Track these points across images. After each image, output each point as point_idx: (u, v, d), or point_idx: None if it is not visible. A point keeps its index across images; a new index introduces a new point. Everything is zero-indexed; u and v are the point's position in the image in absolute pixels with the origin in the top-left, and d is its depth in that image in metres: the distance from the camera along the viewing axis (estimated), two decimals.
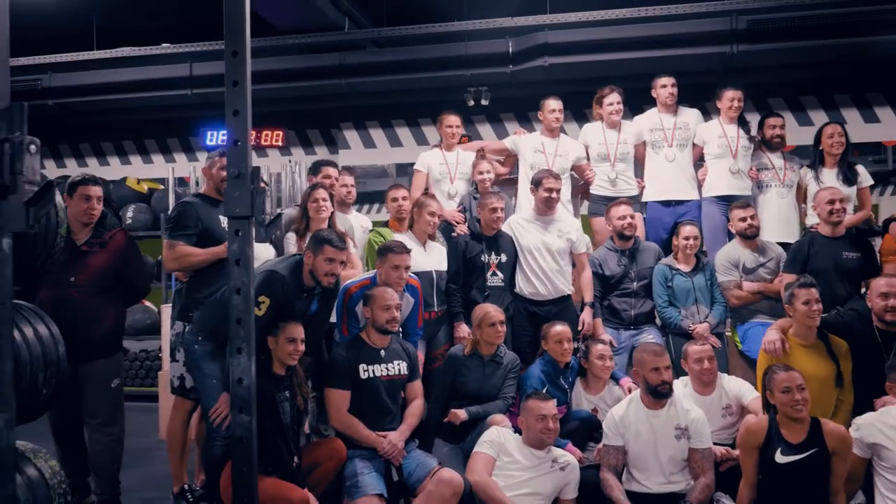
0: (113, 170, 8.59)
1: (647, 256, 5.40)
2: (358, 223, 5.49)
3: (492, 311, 4.56)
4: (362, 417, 4.07)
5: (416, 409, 4.27)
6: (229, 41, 2.88)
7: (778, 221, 5.68)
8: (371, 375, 4.11)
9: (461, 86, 7.28)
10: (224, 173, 4.54)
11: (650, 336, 5.22)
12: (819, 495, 3.54)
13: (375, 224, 5.60)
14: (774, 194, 5.74)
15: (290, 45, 6.99)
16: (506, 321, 5.05)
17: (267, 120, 7.78)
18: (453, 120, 5.97)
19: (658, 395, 3.93)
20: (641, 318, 5.31)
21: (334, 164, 5.45)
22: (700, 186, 5.87)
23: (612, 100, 5.84)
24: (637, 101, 6.04)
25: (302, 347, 3.86)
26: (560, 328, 4.59)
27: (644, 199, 5.92)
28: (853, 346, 4.38)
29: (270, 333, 3.84)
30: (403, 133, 7.93)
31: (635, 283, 5.33)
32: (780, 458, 3.57)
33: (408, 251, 4.41)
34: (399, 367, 4.21)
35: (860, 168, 5.69)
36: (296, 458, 3.82)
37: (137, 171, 8.38)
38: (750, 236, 5.28)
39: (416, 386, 4.34)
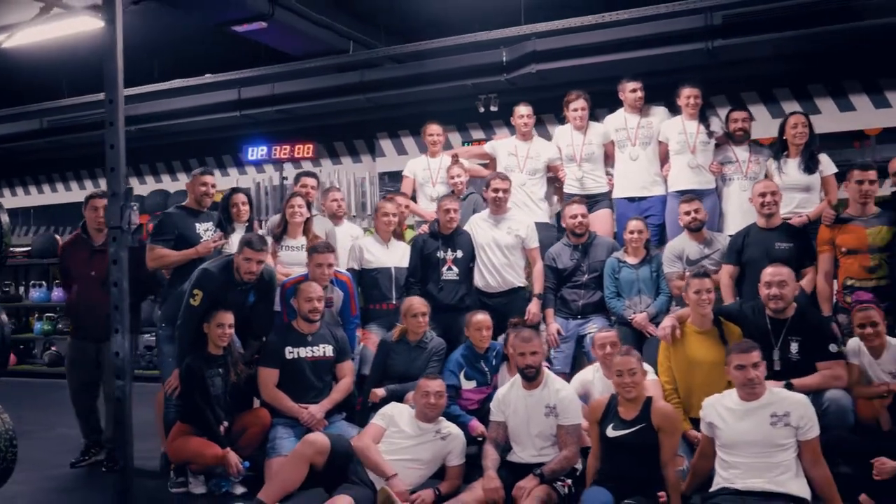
0: (182, 184, 9.93)
1: (599, 251, 5.73)
2: (348, 232, 6.19)
3: (416, 303, 5.14)
4: (289, 392, 4.80)
5: (342, 386, 4.95)
6: (107, 90, 3.71)
7: (741, 213, 5.77)
8: (296, 356, 4.83)
9: (472, 94, 7.83)
10: (203, 189, 5.53)
11: (594, 325, 5.55)
12: (648, 467, 3.84)
13: None
14: (737, 187, 5.85)
15: (312, 67, 7.88)
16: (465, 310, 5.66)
17: (310, 134, 8.71)
18: (434, 129, 6.58)
19: (524, 377, 4.36)
20: (589, 308, 5.65)
21: (314, 175, 6.21)
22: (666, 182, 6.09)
23: (577, 105, 6.17)
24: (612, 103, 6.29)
25: (230, 331, 4.67)
26: (480, 317, 5.08)
27: (613, 196, 6.21)
28: (747, 333, 4.57)
29: (205, 320, 4.67)
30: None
31: (586, 276, 5.68)
32: (610, 432, 3.92)
33: (330, 251, 5.09)
34: (324, 349, 4.90)
35: (823, 157, 5.68)
36: (225, 424, 4.62)
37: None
38: (694, 229, 5.48)
39: (345, 366, 5.01)
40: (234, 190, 5.81)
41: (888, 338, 4.34)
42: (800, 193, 5.61)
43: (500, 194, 5.71)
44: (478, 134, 8.40)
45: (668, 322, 4.72)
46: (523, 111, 6.30)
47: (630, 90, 6.08)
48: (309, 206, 5.83)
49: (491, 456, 4.34)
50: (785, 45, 6.46)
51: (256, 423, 4.70)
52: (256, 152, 7.97)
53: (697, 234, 5.50)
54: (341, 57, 7.74)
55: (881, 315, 4.34)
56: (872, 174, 4.95)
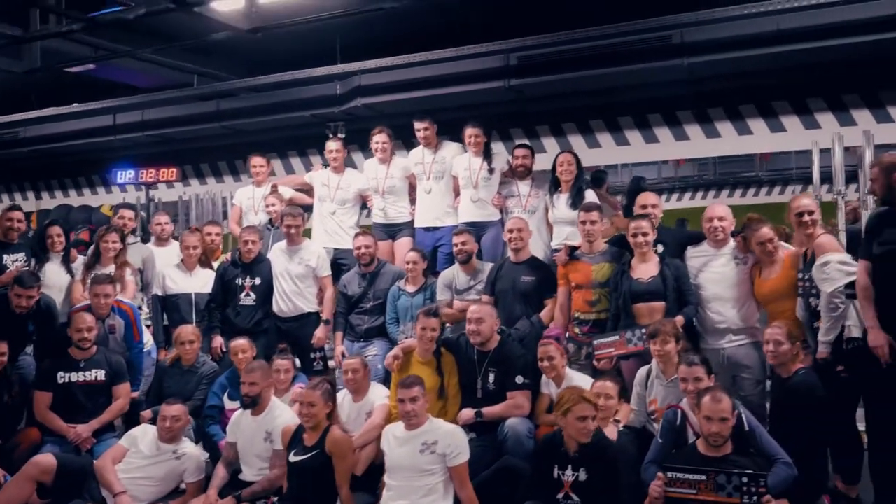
0: (82, 199, 10.51)
1: (384, 279, 6.19)
2: (175, 253, 6.69)
3: (184, 332, 5.63)
4: (62, 413, 5.29)
5: (114, 407, 5.41)
6: None
7: None
8: (68, 381, 5.32)
9: (321, 122, 8.31)
10: (8, 223, 6.03)
11: (374, 349, 6.03)
12: (324, 488, 4.31)
13: None
14: None
15: (178, 97, 8.40)
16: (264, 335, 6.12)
17: (187, 156, 9.23)
18: (256, 161, 7.09)
19: (242, 404, 4.84)
20: (372, 332, 6.11)
21: (132, 207, 6.73)
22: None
23: (379, 139, 6.64)
24: (443, 132, 6.69)
25: (3, 359, 5.17)
26: (239, 342, 5.52)
27: (415, 225, 6.67)
28: (460, 363, 5.04)
29: None
30: (296, 162, 9.10)
31: (371, 303, 6.15)
32: (292, 457, 4.39)
33: (108, 282, 5.56)
34: (96, 374, 5.38)
35: (588, 192, 6.10)
36: None
37: (103, 199, 10.22)
38: (462, 261, 5.92)
39: (120, 389, 5.47)
40: (51, 223, 6.32)
41: (567, 370, 4.79)
42: (568, 227, 6.02)
43: (291, 230, 6.19)
44: None
45: (392, 352, 5.20)
46: (332, 146, 6.80)
47: (422, 128, 6.51)
48: (123, 238, 6.32)
49: (219, 474, 4.83)
50: (582, 83, 6.88)
51: (26, 441, 5.21)
52: (125, 175, 8.48)
53: (467, 265, 5.93)
54: (200, 88, 8.23)
55: (560, 350, 4.79)
56: (595, 215, 5.36)
